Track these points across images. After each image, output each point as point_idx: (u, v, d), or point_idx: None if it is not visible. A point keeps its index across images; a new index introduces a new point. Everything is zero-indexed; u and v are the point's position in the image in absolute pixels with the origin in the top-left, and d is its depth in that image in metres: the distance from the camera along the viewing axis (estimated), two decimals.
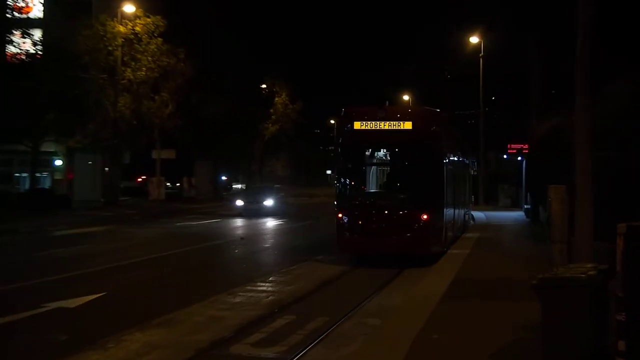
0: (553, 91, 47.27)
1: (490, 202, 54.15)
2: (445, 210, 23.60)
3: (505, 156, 52.57)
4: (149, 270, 21.53)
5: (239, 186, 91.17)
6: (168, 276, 20.44)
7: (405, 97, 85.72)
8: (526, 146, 43.41)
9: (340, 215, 22.31)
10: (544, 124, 38.32)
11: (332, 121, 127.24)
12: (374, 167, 24.38)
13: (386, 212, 21.97)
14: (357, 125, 22.27)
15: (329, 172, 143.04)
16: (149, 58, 50.20)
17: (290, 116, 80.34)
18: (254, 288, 17.70)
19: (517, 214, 43.93)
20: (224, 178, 79.96)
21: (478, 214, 42.56)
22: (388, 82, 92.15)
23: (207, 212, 48.79)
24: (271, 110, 78.34)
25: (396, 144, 22.58)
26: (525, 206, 42.15)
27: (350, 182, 23.19)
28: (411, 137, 21.89)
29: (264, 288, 17.81)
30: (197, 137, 62.55)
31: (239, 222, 41.17)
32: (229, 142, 68.88)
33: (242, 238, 31.90)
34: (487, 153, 58.79)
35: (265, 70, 76.64)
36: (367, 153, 23.80)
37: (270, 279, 19.43)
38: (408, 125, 21.92)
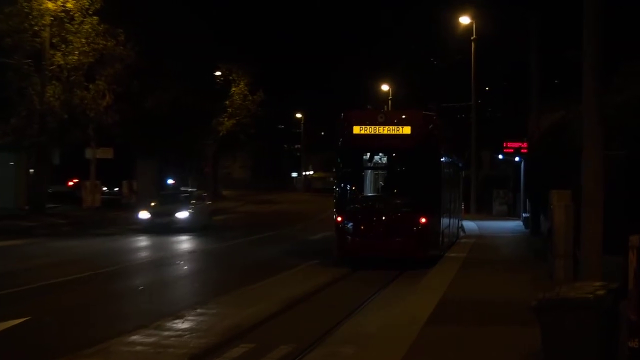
0: (556, 80, 47.61)
1: (483, 210, 54.36)
2: (442, 214, 27.66)
3: (500, 156, 52.69)
4: (80, 291, 21.39)
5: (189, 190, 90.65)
6: (103, 298, 20.29)
7: (385, 87, 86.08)
8: (525, 144, 43.63)
9: (339, 219, 26.12)
10: (546, 118, 38.60)
11: (299, 115, 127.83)
12: (372, 171, 28.49)
13: (385, 216, 25.87)
14: (356, 129, 26.23)
15: (294, 174, 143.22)
16: (83, 40, 49.79)
17: (249, 109, 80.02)
18: (206, 311, 17.61)
19: (515, 224, 44.16)
20: (171, 181, 79.46)
21: (469, 224, 42.71)
22: (366, 70, 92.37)
23: None
24: (227, 102, 78.04)
25: (395, 149, 26.45)
26: (524, 215, 42.40)
27: (349, 186, 27.12)
28: (410, 141, 25.87)
29: (217, 311, 17.72)
30: (139, 133, 62.16)
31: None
32: (177, 139, 68.53)
33: (190, 252, 31.91)
34: (480, 153, 59.00)
35: (220, 55, 76.20)
36: (366, 157, 27.58)
37: (224, 299, 19.34)
38: (407, 129, 25.94)
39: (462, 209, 41.91)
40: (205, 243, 36.41)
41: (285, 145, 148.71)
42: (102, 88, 52.55)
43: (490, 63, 59.13)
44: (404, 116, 26.85)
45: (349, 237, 25.97)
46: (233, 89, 78.89)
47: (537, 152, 36.18)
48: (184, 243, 36.46)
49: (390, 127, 25.96)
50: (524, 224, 41.89)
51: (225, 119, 77.91)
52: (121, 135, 58.59)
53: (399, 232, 25.35)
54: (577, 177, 16.60)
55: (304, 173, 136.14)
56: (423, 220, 25.36)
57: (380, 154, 27.37)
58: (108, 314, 17.73)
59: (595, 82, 15.93)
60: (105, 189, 65.39)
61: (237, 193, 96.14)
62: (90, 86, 52.06)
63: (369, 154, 27.34)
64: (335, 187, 27.01)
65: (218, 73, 79.23)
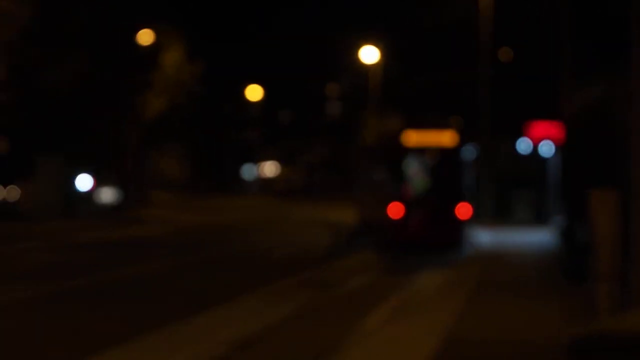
0: (594, 40, 47.63)
1: (502, 216, 54.28)
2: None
3: (521, 144, 52.71)
4: None
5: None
6: None
7: (370, 55, 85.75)
8: (556, 128, 43.62)
9: (392, 210, 38.33)
10: (585, 94, 38.64)
11: (247, 91, 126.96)
12: (419, 169, 39.89)
13: (431, 208, 38.24)
14: (408, 132, 39.66)
15: (248, 171, 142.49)
16: None
17: (185, 84, 78.67)
18: None
19: (543, 235, 44.15)
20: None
21: (481, 235, 42.71)
22: (335, 25, 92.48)
23: (50, 238, 47.27)
24: (154, 75, 76.66)
25: (438, 149, 39.29)
26: (556, 223, 42.34)
27: (399, 182, 39.62)
28: (450, 142, 39.07)
29: None
30: (38, 118, 61.76)
31: None
32: (89, 126, 68.10)
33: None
34: (495, 140, 58.96)
35: (147, 13, 75.04)
36: (413, 157, 39.73)
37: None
38: (449, 133, 39.34)
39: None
40: None
41: (234, 133, 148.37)
42: None
43: (505, 14, 59.16)
44: (445, 121, 41.93)
45: (400, 225, 37.99)
46: (166, 56, 77.14)
47: (573, 139, 36.22)
48: None
49: (436, 130, 39.76)
50: (555, 234, 41.86)
51: (154, 98, 76.27)
52: (15, 122, 58.10)
53: (442, 221, 37.72)
54: (627, 171, 16.55)
55: (261, 169, 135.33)
56: (462, 210, 37.99)
57: (427, 154, 39.37)
58: None
59: None
60: None
61: (171, 197, 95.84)
62: None
63: (415, 154, 39.52)
64: (390, 184, 39.95)
65: (143, 36, 77.66)
